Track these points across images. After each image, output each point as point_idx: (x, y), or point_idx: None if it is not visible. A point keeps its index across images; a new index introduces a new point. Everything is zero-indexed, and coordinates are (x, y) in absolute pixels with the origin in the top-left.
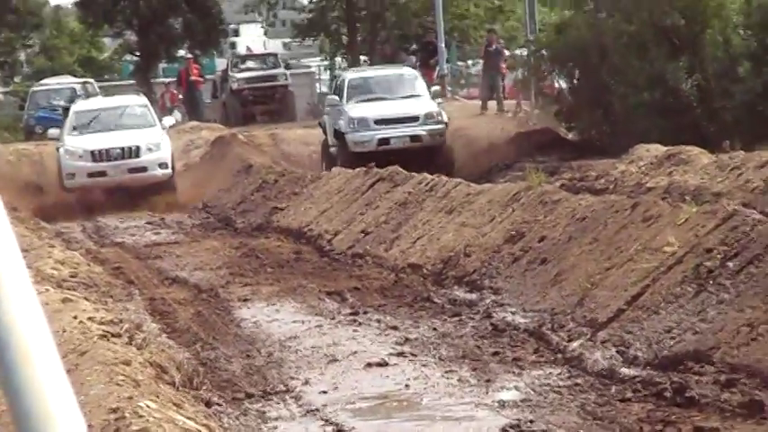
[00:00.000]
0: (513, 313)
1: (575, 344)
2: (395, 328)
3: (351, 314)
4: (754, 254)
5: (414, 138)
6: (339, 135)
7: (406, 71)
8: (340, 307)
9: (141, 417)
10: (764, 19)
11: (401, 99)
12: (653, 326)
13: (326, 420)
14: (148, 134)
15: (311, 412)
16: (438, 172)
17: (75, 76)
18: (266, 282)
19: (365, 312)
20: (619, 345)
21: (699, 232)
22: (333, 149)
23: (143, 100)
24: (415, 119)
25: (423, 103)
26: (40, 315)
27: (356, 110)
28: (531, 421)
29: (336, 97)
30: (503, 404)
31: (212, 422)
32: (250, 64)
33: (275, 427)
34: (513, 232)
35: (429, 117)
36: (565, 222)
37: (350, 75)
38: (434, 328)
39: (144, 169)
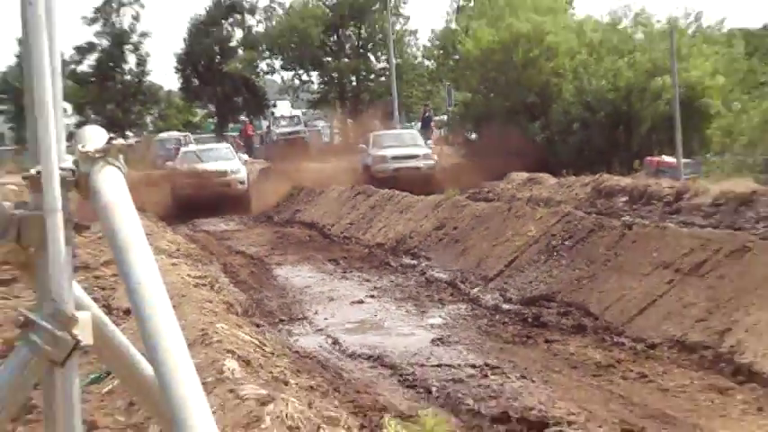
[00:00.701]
0: (437, 272)
1: (474, 290)
2: (368, 280)
3: (342, 272)
4: (579, 237)
5: (415, 168)
6: (366, 167)
7: (410, 131)
8: (335, 268)
9: (218, 333)
10: (592, 97)
11: (407, 146)
12: (520, 279)
13: (328, 335)
14: (232, 163)
15: (319, 331)
16: (429, 192)
17: (179, 131)
18: (291, 253)
19: (351, 271)
20: (500, 291)
21: (548, 224)
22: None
23: (227, 144)
24: (416, 157)
25: (421, 149)
26: (158, 273)
27: (379, 152)
28: (449, 336)
29: (364, 145)
30: (432, 326)
31: (260, 336)
32: (283, 123)
33: (297, 339)
34: (437, 224)
35: (425, 157)
36: (468, 218)
37: (374, 133)
38: (391, 281)
39: (229, 185)
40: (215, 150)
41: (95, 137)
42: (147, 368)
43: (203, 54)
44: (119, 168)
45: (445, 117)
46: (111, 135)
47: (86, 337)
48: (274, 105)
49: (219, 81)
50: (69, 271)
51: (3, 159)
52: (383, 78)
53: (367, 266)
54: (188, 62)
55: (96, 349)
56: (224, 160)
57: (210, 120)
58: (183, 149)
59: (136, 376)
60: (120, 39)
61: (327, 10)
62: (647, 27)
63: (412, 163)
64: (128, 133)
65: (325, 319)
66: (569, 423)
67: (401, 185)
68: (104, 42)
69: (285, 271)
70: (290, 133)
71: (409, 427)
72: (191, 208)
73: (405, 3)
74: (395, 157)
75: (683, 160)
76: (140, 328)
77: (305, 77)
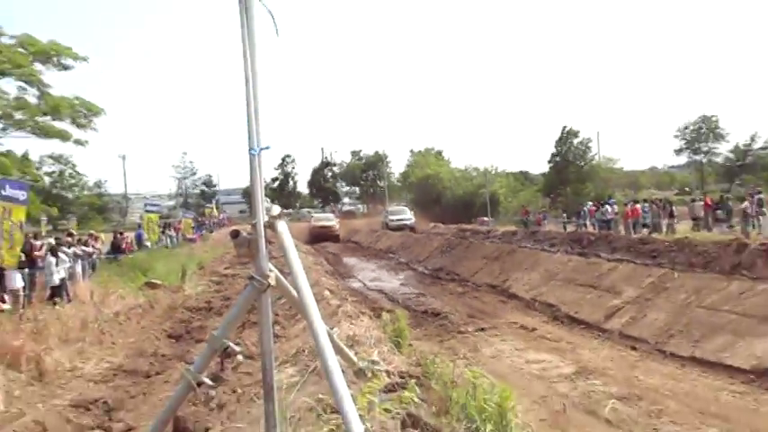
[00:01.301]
0: (402, 259)
1: (415, 266)
2: (376, 263)
3: (367, 260)
4: (453, 246)
5: (408, 223)
6: (385, 224)
7: (406, 208)
8: (365, 258)
9: (322, 282)
10: (457, 195)
11: (403, 213)
12: (432, 262)
13: (362, 282)
14: (334, 220)
15: (358, 281)
16: (411, 232)
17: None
18: (350, 254)
19: (371, 260)
20: (424, 266)
21: (441, 241)
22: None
23: (332, 214)
24: (409, 219)
25: (410, 215)
26: (302, 269)
27: (390, 216)
28: (406, 283)
29: (386, 212)
30: (399, 279)
31: (335, 281)
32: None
33: (351, 285)
34: (402, 242)
35: (411, 218)
36: (413, 240)
37: (389, 209)
38: (385, 263)
39: (332, 228)
40: (325, 215)
41: (276, 209)
42: (299, 297)
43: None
44: (285, 221)
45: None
46: (281, 207)
47: (273, 282)
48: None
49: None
50: (266, 258)
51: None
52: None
53: (376, 258)
54: (313, 185)
55: (276, 288)
56: (329, 219)
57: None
58: (314, 215)
59: (296, 302)
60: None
61: (362, 163)
62: (478, 170)
63: (405, 221)
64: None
65: (360, 279)
66: (447, 312)
67: (398, 230)
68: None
69: (347, 260)
70: (347, 211)
71: (391, 315)
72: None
73: (390, 161)
74: (396, 219)
75: (490, 219)
76: (299, 292)
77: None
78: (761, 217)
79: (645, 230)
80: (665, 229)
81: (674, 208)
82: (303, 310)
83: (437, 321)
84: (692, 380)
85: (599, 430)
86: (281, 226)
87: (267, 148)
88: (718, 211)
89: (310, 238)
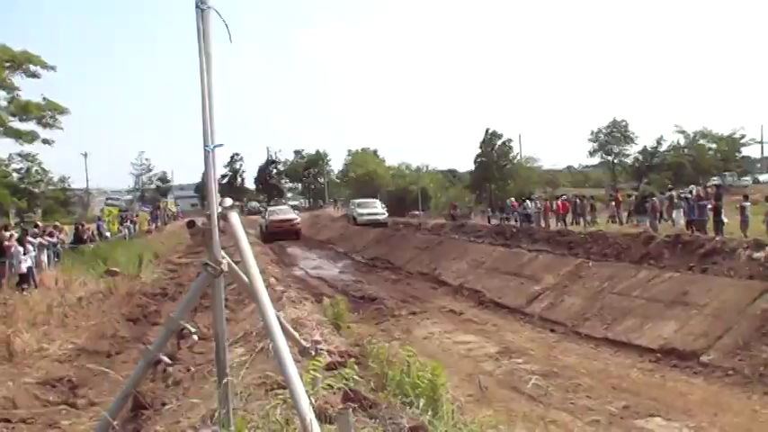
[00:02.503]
0: (340, 250)
1: (353, 255)
2: (317, 253)
3: (308, 251)
4: (388, 236)
5: (380, 219)
6: (352, 219)
7: (377, 201)
8: (309, 248)
9: (269, 270)
10: (394, 189)
11: (377, 207)
12: (368, 252)
13: (304, 270)
14: (293, 212)
15: (300, 269)
16: (380, 227)
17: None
18: (293, 245)
19: (310, 251)
20: (362, 255)
21: (376, 233)
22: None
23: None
24: (382, 213)
25: (383, 210)
26: (253, 258)
27: (359, 210)
28: (344, 270)
29: (353, 205)
30: (338, 267)
31: (280, 269)
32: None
33: (295, 273)
34: (341, 233)
35: (384, 213)
36: (353, 231)
37: (357, 201)
38: (326, 253)
39: (293, 222)
40: (284, 208)
41: (228, 201)
42: (250, 283)
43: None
44: (237, 212)
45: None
46: (232, 200)
47: (225, 268)
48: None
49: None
50: (219, 245)
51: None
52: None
53: (317, 248)
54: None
55: (229, 274)
56: (289, 212)
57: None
58: (270, 208)
59: (247, 287)
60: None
61: (304, 161)
62: (410, 168)
63: (377, 216)
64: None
65: (303, 266)
66: (383, 298)
67: (370, 225)
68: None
69: (289, 250)
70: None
71: (331, 300)
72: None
73: (329, 159)
74: (367, 213)
75: (421, 212)
76: (249, 278)
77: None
78: (674, 211)
79: (560, 224)
80: (587, 222)
81: (594, 203)
82: (253, 295)
83: (373, 306)
84: (605, 359)
85: (521, 404)
86: (234, 217)
87: (221, 145)
88: (645, 205)
89: (267, 235)
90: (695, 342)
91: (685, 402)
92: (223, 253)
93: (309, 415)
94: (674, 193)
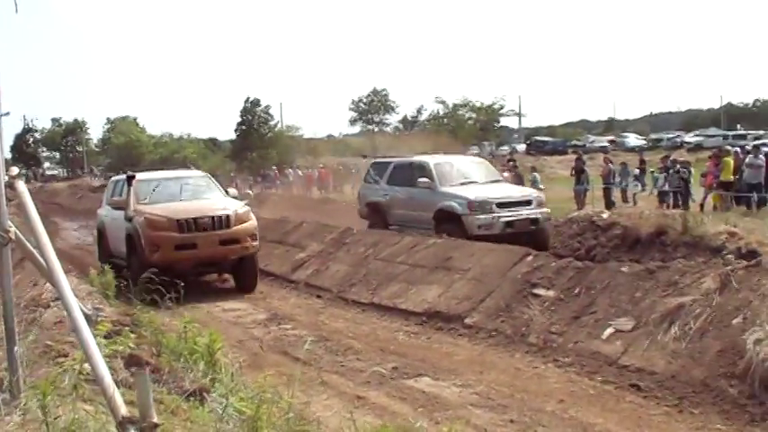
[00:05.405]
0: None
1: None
2: (79, 224)
3: (69, 221)
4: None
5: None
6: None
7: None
8: (69, 219)
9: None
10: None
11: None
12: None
13: (67, 242)
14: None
15: (64, 241)
16: None
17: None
18: (53, 214)
19: (72, 221)
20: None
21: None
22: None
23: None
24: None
25: None
26: (41, 223)
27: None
28: None
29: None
30: None
31: None
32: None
33: (57, 245)
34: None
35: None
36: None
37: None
38: (87, 223)
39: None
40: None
41: (15, 169)
42: (40, 252)
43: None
44: (23, 180)
45: None
46: (20, 170)
47: (13, 236)
48: None
49: None
50: (6, 215)
51: None
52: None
53: (80, 218)
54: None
55: (16, 245)
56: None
57: None
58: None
59: (32, 257)
60: None
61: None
62: (172, 136)
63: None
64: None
65: (64, 236)
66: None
67: None
68: None
69: (51, 218)
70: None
71: (98, 270)
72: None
73: (88, 128)
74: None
75: None
76: (40, 248)
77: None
78: None
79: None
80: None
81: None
82: (44, 263)
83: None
84: (372, 323)
85: (294, 367)
86: (21, 185)
87: (7, 114)
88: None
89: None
90: (459, 305)
91: (451, 362)
92: (11, 222)
93: (112, 386)
94: None
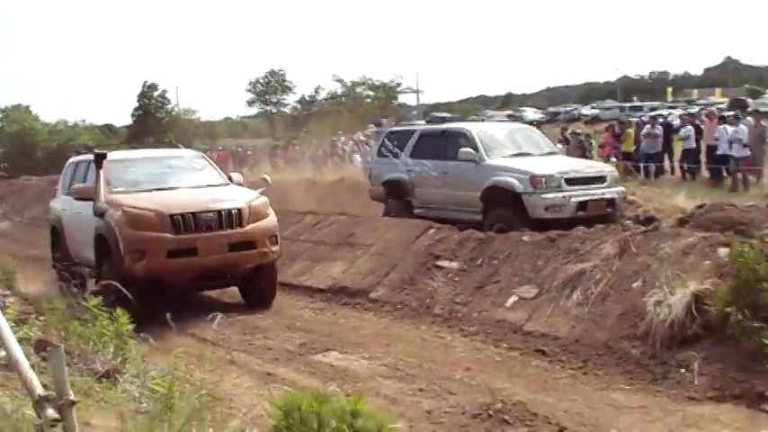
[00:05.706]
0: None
1: (15, 217)
2: None
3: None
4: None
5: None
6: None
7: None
8: None
9: None
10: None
11: None
12: (30, 211)
13: None
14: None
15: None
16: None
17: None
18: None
19: None
20: (23, 216)
21: (38, 188)
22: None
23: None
24: None
25: None
26: None
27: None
28: (6, 234)
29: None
30: (1, 229)
31: None
32: None
33: None
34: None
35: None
36: (10, 192)
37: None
38: None
39: None
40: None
41: None
42: None
43: None
44: None
45: None
46: None
47: None
48: None
49: None
50: None
51: None
52: None
53: None
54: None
55: None
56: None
57: None
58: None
59: None
60: None
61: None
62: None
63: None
64: None
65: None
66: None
67: None
68: None
69: None
70: None
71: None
72: None
73: None
74: None
75: None
76: None
77: None
78: (354, 155)
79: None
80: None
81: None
82: None
83: (41, 264)
84: (277, 301)
85: (202, 348)
86: None
87: None
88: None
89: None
90: (364, 280)
91: (358, 336)
92: None
93: (26, 366)
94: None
